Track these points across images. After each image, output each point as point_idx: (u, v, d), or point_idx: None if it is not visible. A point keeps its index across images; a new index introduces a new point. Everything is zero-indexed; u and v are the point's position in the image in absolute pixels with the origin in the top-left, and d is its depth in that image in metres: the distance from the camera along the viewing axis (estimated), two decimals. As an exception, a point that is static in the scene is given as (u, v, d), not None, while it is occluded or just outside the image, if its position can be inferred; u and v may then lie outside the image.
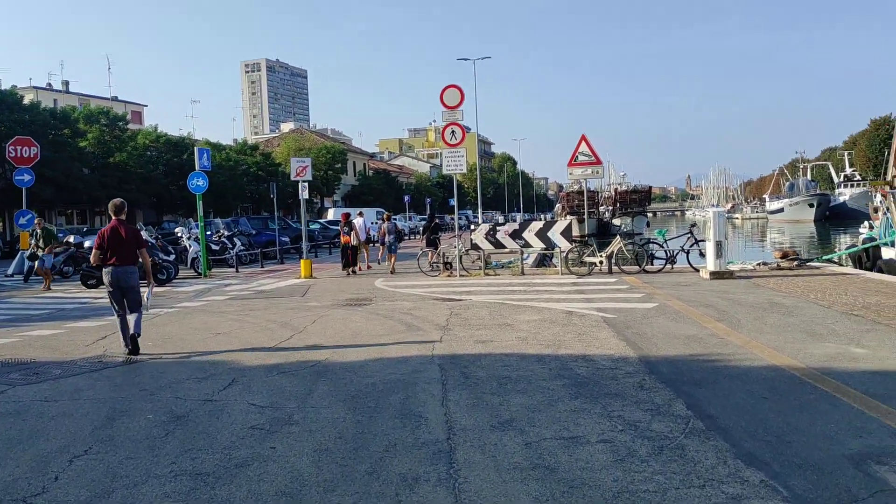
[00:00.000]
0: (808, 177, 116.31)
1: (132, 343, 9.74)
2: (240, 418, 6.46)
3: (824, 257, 21.51)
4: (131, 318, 9.78)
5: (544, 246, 19.33)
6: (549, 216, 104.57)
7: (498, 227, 19.54)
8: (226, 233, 29.38)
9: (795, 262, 18.26)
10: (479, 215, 47.73)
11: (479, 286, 16.93)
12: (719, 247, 16.14)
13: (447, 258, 20.37)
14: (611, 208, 66.71)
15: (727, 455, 5.06)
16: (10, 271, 23.91)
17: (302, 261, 21.52)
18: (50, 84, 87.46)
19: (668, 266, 18.77)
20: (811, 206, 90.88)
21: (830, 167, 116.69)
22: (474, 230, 19.89)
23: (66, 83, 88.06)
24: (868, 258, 19.90)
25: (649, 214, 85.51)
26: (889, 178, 20.15)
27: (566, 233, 18.70)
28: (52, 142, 39.58)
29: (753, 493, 4.42)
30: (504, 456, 5.21)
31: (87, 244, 25.53)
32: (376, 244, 31.69)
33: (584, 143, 20.83)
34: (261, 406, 6.85)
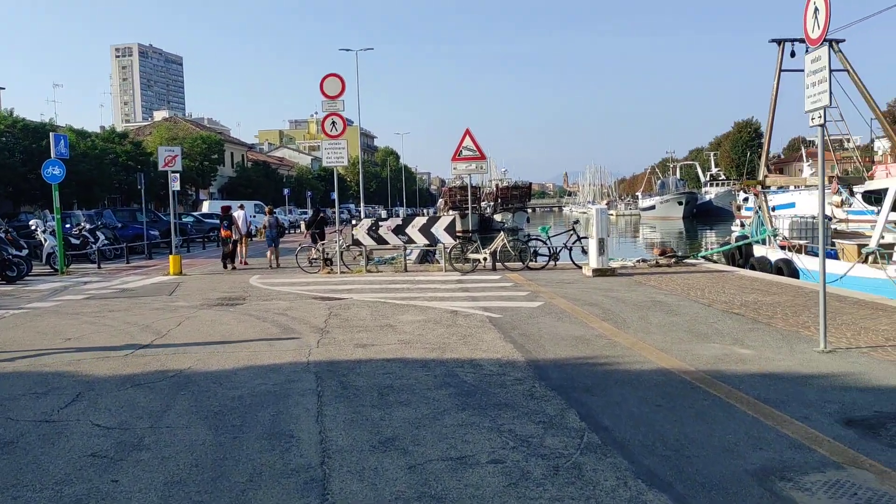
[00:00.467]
0: (678, 175, 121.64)
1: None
2: (80, 443, 5.58)
3: (700, 254, 22.13)
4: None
5: (428, 242, 18.89)
6: (431, 211, 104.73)
7: (380, 223, 18.92)
8: (87, 226, 27.29)
9: (673, 259, 18.61)
10: (362, 209, 46.83)
11: (360, 284, 16.28)
12: (602, 244, 16.16)
13: (327, 254, 19.59)
14: (492, 204, 67.39)
15: (627, 475, 4.67)
16: None
17: (171, 256, 20.16)
18: None
19: (552, 263, 18.72)
20: (680, 203, 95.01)
21: (698, 167, 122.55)
22: (356, 225, 19.20)
23: None
24: (741, 255, 20.59)
25: (529, 210, 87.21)
26: (761, 177, 20.88)
27: (450, 229, 18.32)
28: None
29: (659, 520, 4.04)
30: (385, 483, 4.62)
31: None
32: (254, 238, 30.50)
33: (468, 138, 20.49)
34: (107, 427, 5.98)
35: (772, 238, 19.11)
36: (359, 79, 68.75)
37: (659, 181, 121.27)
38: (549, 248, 19.15)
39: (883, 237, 15.08)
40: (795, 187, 47.17)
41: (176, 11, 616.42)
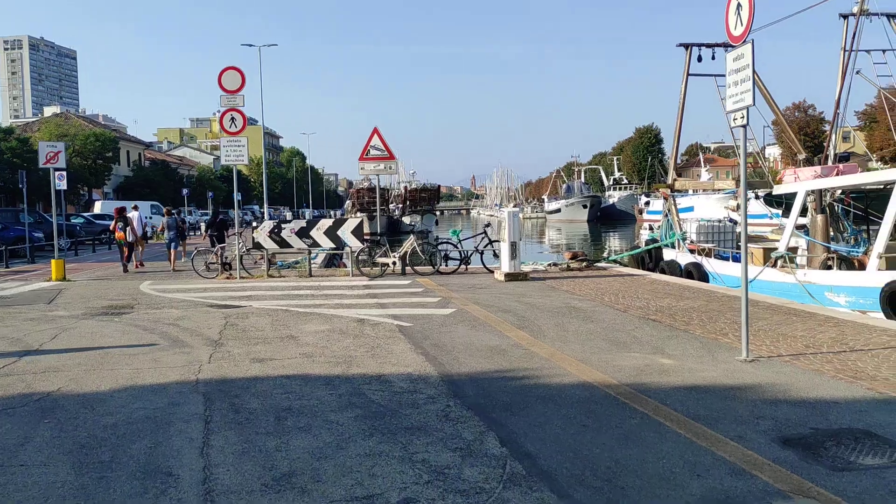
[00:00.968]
0: (583, 179, 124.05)
1: None
2: None
3: (611, 258, 22.09)
4: None
5: (334, 245, 18.08)
6: (339, 213, 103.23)
7: (283, 225, 17.95)
8: (-39, 227, 25.15)
9: (584, 263, 18.40)
10: (266, 211, 45.33)
11: (261, 290, 15.34)
12: (514, 248, 15.75)
13: (226, 258, 18.50)
14: (401, 206, 66.77)
15: (558, 514, 4.11)
16: None
17: (53, 261, 18.62)
18: None
19: (463, 267, 18.22)
20: (585, 207, 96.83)
21: (601, 171, 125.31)
22: (256, 227, 18.17)
23: None
24: (651, 259, 20.63)
25: (438, 213, 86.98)
26: (670, 181, 21.00)
27: (357, 232, 17.55)
28: None
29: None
30: (278, 535, 3.91)
31: None
32: (150, 240, 28.94)
33: (376, 137, 19.77)
34: (-56, 468, 5.03)
35: (681, 242, 19.19)
36: (262, 76, 66.54)
37: (564, 185, 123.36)
38: (460, 251, 18.65)
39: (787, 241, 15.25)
40: (694, 191, 48.61)
41: (69, 2, 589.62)
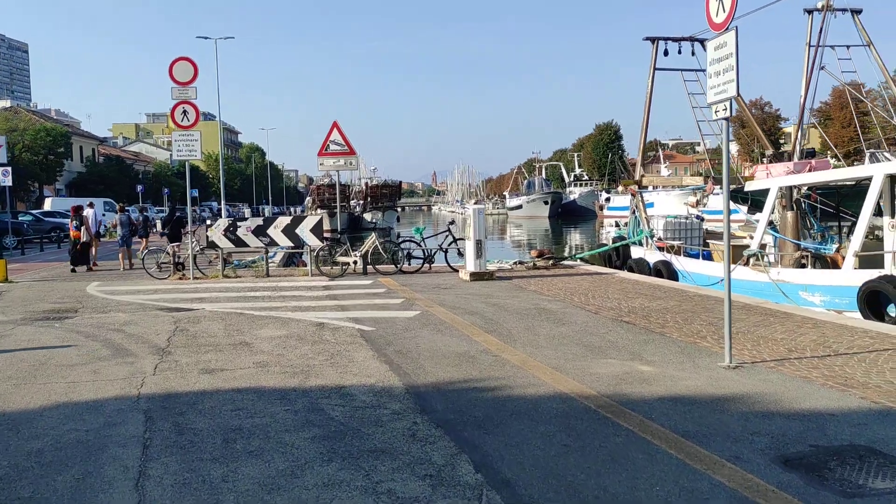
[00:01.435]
0: (544, 176, 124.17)
1: None
2: None
3: (577, 256, 21.70)
4: None
5: (292, 244, 17.39)
6: (299, 209, 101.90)
7: (239, 223, 17.18)
8: None
9: (551, 262, 17.96)
10: (223, 208, 44.25)
11: (215, 291, 14.60)
12: (479, 246, 15.23)
13: (179, 258, 17.68)
14: (362, 202, 65.94)
15: (545, 558, 3.58)
16: None
17: (-6, 261, 17.62)
18: None
19: (427, 266, 17.64)
20: (546, 203, 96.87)
21: (562, 167, 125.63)
22: (210, 225, 17.37)
23: None
24: (618, 257, 20.27)
25: (399, 209, 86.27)
26: (637, 177, 20.66)
27: (317, 230, 16.87)
28: None
29: None
30: None
31: None
32: (103, 238, 27.90)
33: (335, 131, 19.04)
34: None
35: (649, 239, 18.86)
36: (219, 70, 64.85)
37: (526, 181, 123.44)
38: (423, 250, 18.07)
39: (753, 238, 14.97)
40: (654, 187, 48.65)
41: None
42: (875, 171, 12.42)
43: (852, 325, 9.45)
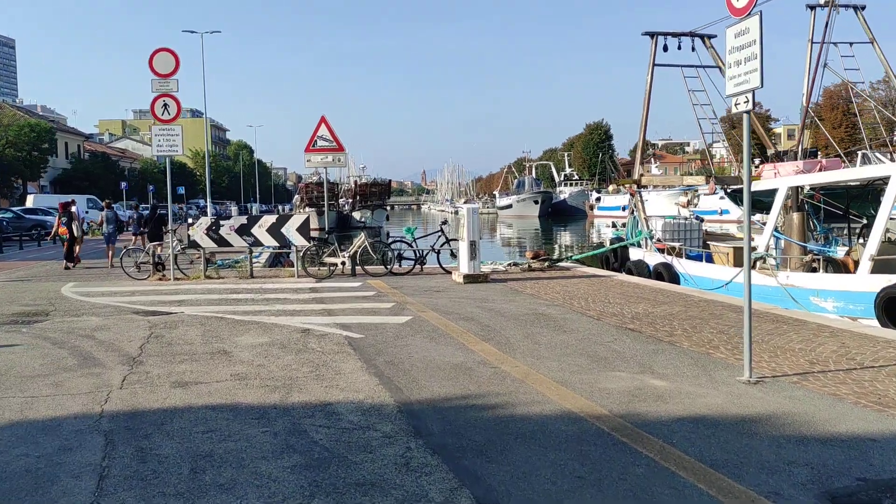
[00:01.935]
0: (534, 175, 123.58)
1: None
2: None
3: (574, 257, 21.10)
4: None
5: (278, 244, 16.70)
6: (288, 208, 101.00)
7: (222, 222, 16.45)
8: None
9: (547, 263, 17.34)
10: (208, 206, 43.43)
11: (196, 293, 13.92)
12: (473, 247, 14.59)
13: (160, 258, 16.97)
14: (351, 201, 65.18)
15: None
16: None
17: (-35, 260, 16.87)
18: None
19: (418, 267, 16.98)
20: (536, 202, 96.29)
21: (552, 167, 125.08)
22: (192, 224, 16.66)
23: None
24: (616, 259, 19.66)
25: (388, 208, 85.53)
26: (636, 176, 20.08)
27: (303, 229, 16.18)
28: None
29: None
30: None
31: None
32: (86, 235, 27.12)
33: (323, 126, 18.34)
34: None
35: (648, 241, 18.27)
36: (205, 65, 64.00)
37: (516, 180, 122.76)
38: (414, 250, 17.42)
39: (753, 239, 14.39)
40: (654, 187, 48.16)
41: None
42: (893, 170, 11.84)
43: (873, 335, 8.87)
